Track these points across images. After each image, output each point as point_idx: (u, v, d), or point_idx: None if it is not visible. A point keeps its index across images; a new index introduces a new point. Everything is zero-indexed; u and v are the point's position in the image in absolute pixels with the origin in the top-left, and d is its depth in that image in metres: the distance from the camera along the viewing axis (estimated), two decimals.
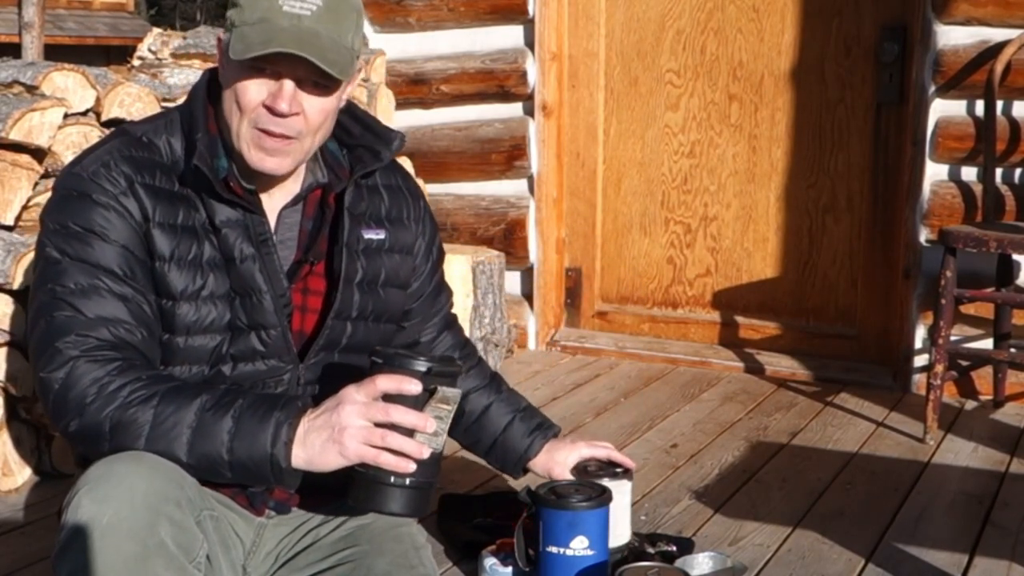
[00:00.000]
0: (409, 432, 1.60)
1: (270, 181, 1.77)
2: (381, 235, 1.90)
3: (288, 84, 1.66)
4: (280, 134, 1.67)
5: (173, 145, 1.75)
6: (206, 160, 1.69)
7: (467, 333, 2.65)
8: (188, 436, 1.57)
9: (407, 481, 1.62)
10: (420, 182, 3.92)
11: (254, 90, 1.67)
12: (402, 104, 4.25)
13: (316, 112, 1.69)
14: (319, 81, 1.67)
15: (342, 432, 1.58)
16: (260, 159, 1.70)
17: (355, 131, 1.88)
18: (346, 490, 1.67)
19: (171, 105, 3.36)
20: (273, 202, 1.79)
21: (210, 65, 2.62)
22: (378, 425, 1.59)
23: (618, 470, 2.24)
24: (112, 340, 1.63)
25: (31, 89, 3.02)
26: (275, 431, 1.57)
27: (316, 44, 1.63)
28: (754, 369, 3.95)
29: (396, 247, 1.93)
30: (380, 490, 1.63)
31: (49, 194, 1.77)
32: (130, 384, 1.59)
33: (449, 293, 2.17)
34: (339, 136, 1.87)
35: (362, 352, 1.84)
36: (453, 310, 2.21)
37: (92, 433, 1.59)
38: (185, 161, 1.72)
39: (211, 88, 1.77)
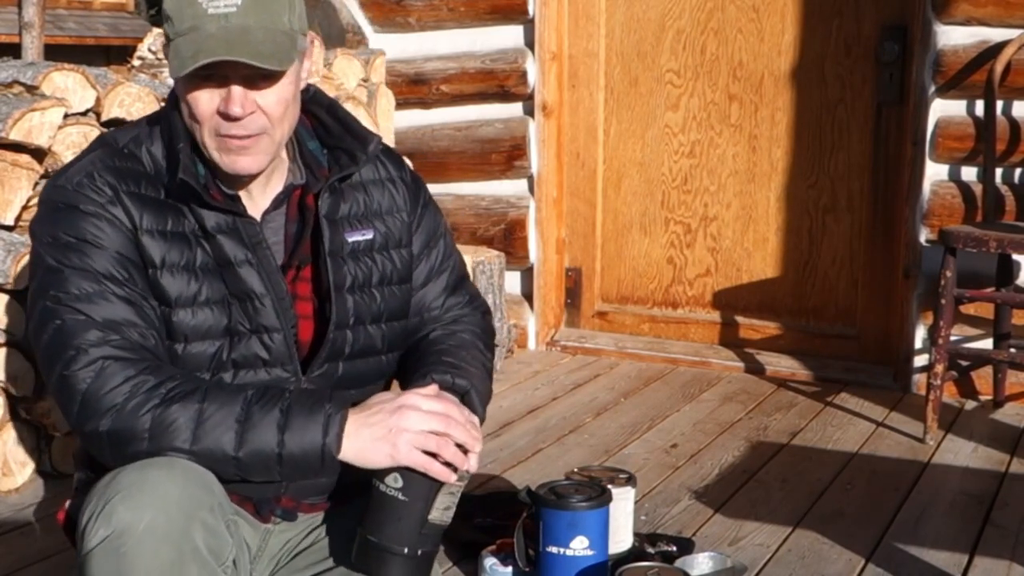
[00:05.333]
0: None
1: (249, 182, 1.74)
2: (368, 235, 1.85)
3: (236, 88, 1.62)
4: (243, 135, 1.65)
5: (154, 155, 1.73)
6: (190, 170, 1.68)
7: None
8: (237, 430, 1.55)
9: (418, 551, 1.63)
10: None
11: (205, 100, 1.64)
12: (402, 104, 4.25)
13: (273, 104, 1.66)
14: (265, 74, 1.63)
15: (399, 434, 1.59)
16: (232, 162, 1.67)
17: (335, 131, 1.84)
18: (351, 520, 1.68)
19: None
20: (256, 206, 1.77)
21: None
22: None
23: (622, 475, 2.24)
24: (130, 343, 1.61)
25: (31, 89, 3.02)
26: (327, 422, 1.57)
27: (247, 41, 1.59)
28: (754, 369, 3.95)
29: (389, 243, 1.88)
30: (389, 560, 1.63)
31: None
32: (168, 381, 1.57)
33: (452, 257, 2.01)
34: (320, 135, 1.85)
35: (368, 356, 1.81)
36: (459, 271, 2.03)
37: (126, 434, 1.55)
38: (169, 171, 1.70)
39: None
